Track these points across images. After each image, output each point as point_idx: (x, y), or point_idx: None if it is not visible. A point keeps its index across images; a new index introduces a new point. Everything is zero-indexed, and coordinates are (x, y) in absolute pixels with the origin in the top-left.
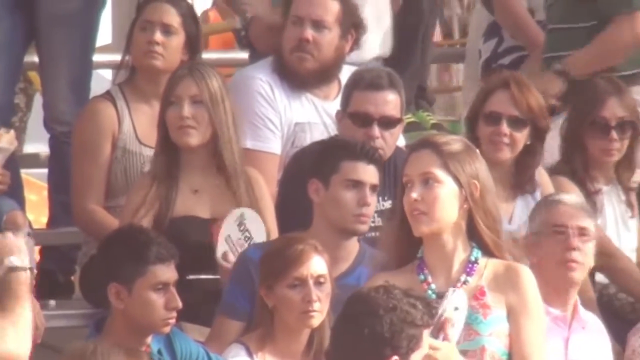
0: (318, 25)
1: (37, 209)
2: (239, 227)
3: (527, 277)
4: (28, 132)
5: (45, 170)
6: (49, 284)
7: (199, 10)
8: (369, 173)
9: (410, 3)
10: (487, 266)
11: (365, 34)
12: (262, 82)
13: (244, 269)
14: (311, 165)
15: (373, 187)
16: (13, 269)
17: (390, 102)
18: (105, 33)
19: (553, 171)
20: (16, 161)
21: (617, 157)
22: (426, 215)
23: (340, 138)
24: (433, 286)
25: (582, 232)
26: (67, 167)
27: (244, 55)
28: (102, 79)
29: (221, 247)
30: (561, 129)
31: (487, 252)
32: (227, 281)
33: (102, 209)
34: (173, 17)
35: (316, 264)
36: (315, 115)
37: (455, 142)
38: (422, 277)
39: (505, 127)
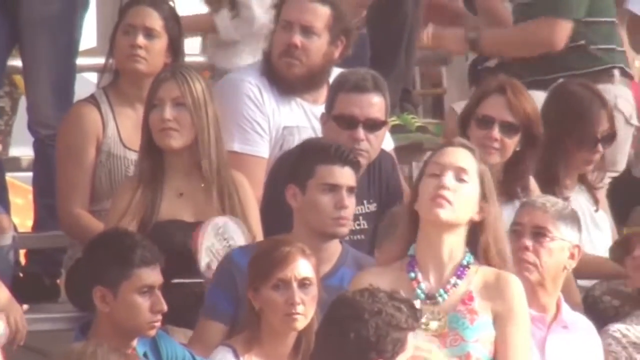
0: (307, 31)
1: (22, 212)
2: (221, 236)
3: (516, 286)
4: (13, 136)
5: (30, 174)
6: (35, 287)
7: (181, 13)
8: (345, 175)
9: (395, 6)
10: (478, 272)
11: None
12: (251, 85)
13: (226, 272)
14: (288, 171)
15: (350, 189)
16: None
17: (375, 104)
18: (90, 36)
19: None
20: (1, 164)
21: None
22: (451, 205)
23: (315, 141)
24: (422, 285)
25: (539, 231)
26: (52, 171)
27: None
28: (87, 83)
29: (205, 258)
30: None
31: (481, 260)
32: (210, 283)
33: (87, 213)
34: (155, 21)
35: (301, 267)
36: (304, 119)
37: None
38: (412, 275)
39: (496, 132)
